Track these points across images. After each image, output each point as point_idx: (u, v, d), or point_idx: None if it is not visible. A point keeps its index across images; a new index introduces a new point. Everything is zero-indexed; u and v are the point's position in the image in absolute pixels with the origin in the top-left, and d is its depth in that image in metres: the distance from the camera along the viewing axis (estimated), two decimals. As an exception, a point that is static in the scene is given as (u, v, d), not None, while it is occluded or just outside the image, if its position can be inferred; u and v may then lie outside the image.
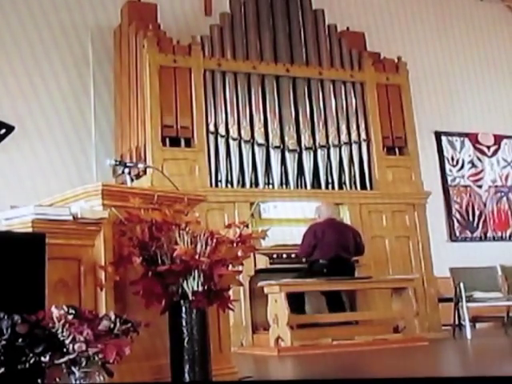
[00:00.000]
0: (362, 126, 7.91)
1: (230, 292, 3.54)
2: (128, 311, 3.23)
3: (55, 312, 2.62)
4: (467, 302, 6.95)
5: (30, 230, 3.11)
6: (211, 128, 7.23)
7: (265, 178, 7.36)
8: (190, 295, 3.31)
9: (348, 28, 8.52)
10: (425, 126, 9.09)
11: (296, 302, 6.51)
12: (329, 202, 7.17)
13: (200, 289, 3.32)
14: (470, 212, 9.53)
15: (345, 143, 7.77)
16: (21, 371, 2.46)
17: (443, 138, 9.64)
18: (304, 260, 6.85)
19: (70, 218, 3.28)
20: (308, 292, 6.70)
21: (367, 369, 4.89)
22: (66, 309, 2.67)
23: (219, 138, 7.23)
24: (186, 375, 3.28)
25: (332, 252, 6.60)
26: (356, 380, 3.48)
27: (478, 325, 8.14)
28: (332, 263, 6.57)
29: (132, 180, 4.17)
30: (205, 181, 7.06)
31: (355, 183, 7.77)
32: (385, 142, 7.99)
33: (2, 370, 2.42)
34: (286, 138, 7.51)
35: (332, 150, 7.69)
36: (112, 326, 2.74)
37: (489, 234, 9.56)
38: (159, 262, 3.32)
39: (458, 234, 9.39)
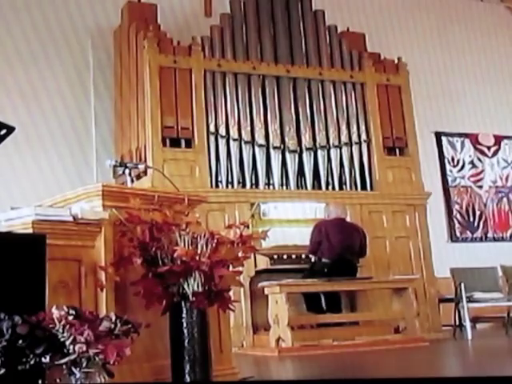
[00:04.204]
0: (363, 127, 7.91)
1: (231, 293, 3.54)
2: (128, 312, 3.23)
3: (56, 313, 2.62)
4: (468, 302, 6.95)
5: (30, 230, 3.11)
6: (211, 129, 7.24)
7: (265, 179, 7.36)
8: (190, 296, 3.31)
9: (348, 29, 8.53)
10: (425, 127, 9.09)
11: (313, 301, 6.54)
12: (338, 202, 7.16)
13: (200, 289, 3.32)
14: (471, 212, 9.53)
15: (345, 144, 7.78)
16: (21, 372, 2.46)
17: (443, 139, 9.65)
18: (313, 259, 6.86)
19: (71, 218, 3.28)
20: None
21: (368, 369, 4.89)
22: (66, 309, 2.66)
23: (219, 139, 7.24)
24: (187, 376, 3.28)
25: (336, 253, 6.59)
26: (356, 380, 3.48)
27: (478, 325, 8.14)
28: (335, 264, 6.56)
29: (132, 181, 4.16)
30: (205, 181, 7.07)
31: (355, 184, 7.77)
32: (385, 142, 8.00)
33: (3, 370, 2.42)
34: (287, 139, 7.52)
35: (332, 150, 7.69)
36: (112, 326, 2.74)
37: (489, 235, 9.56)
38: (160, 262, 3.32)
39: (458, 234, 9.39)
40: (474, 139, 9.78)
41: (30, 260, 2.79)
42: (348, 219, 7.19)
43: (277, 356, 5.89)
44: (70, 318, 2.64)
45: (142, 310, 3.25)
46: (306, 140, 7.60)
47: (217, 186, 7.17)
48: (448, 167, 9.57)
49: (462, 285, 6.97)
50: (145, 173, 6.86)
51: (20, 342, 2.46)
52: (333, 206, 7.01)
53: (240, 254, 3.52)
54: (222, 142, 7.25)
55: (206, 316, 3.39)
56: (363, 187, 7.79)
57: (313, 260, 6.79)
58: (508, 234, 9.69)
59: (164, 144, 7.04)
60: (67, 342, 2.56)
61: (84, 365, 2.58)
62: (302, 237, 6.99)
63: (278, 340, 6.16)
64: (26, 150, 7.32)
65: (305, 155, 7.55)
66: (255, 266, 6.87)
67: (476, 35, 10.26)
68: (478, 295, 7.11)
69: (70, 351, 2.55)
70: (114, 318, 2.77)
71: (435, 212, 8.50)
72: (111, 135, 7.85)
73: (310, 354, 5.79)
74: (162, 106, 7.08)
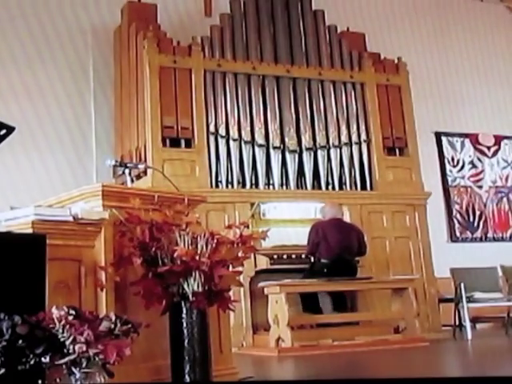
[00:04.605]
0: (362, 127, 7.91)
1: (231, 292, 3.54)
2: (128, 312, 3.23)
3: (55, 313, 2.62)
4: (468, 302, 6.95)
5: (30, 230, 3.11)
6: (211, 129, 7.23)
7: (265, 179, 7.36)
8: (190, 296, 3.31)
9: (348, 29, 8.53)
10: (425, 127, 9.09)
11: (310, 302, 6.54)
12: (334, 202, 7.15)
13: (200, 289, 3.32)
14: (471, 212, 9.53)
15: (345, 144, 7.77)
16: (21, 372, 2.46)
17: (443, 139, 9.65)
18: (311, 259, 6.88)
19: (71, 218, 3.28)
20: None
21: (367, 369, 4.89)
22: (66, 309, 2.66)
23: (219, 139, 7.24)
24: (187, 376, 3.28)
25: (334, 253, 6.60)
26: (356, 380, 3.48)
27: (478, 325, 8.14)
28: (333, 264, 6.57)
29: (132, 181, 4.17)
30: (205, 181, 7.07)
31: (355, 184, 7.77)
32: (385, 142, 7.99)
33: (3, 370, 2.42)
34: (287, 139, 7.51)
35: (332, 150, 7.69)
36: (112, 326, 2.74)
37: (489, 235, 9.56)
38: (159, 262, 3.32)
39: (458, 234, 9.39)
40: (474, 139, 9.78)
41: (30, 260, 2.79)
42: (345, 219, 7.20)
43: (276, 356, 5.89)
44: (70, 318, 2.64)
45: (142, 310, 3.26)
46: (306, 140, 7.60)
47: (217, 186, 7.16)
48: (448, 167, 9.57)
49: (462, 285, 6.97)
50: (145, 173, 6.86)
51: (20, 342, 2.46)
52: (329, 206, 7.01)
53: (240, 254, 3.52)
54: (221, 142, 7.24)
55: (206, 316, 3.40)
56: (363, 187, 7.79)
57: (312, 260, 6.80)
58: (508, 234, 9.69)
59: (164, 144, 7.04)
60: (67, 342, 2.56)
61: (84, 365, 2.58)
62: (301, 237, 6.98)
63: (277, 340, 6.16)
64: (25, 150, 7.32)
65: (305, 155, 7.55)
66: (255, 265, 6.87)
67: (476, 35, 10.26)
68: (477, 295, 7.11)
69: (70, 351, 2.55)
70: (113, 318, 2.77)
71: (435, 212, 8.50)
72: (111, 135, 7.85)
73: (309, 354, 5.78)
74: (161, 106, 7.07)
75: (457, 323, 7.23)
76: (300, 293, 6.60)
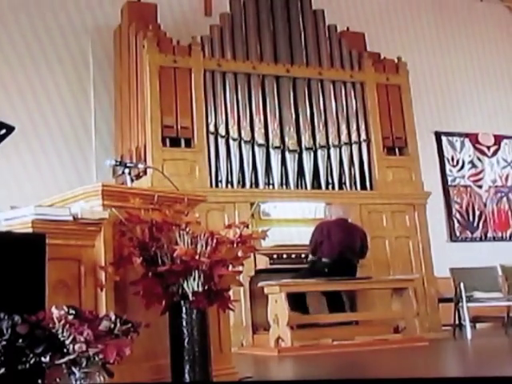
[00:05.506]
0: (362, 127, 7.91)
1: (230, 292, 3.54)
2: (128, 311, 3.23)
3: (55, 312, 2.62)
4: (467, 302, 6.95)
5: (30, 230, 3.11)
6: (211, 128, 7.23)
7: (265, 179, 7.36)
8: (190, 295, 3.31)
9: (348, 28, 8.53)
10: (425, 127, 9.10)
11: (298, 301, 6.53)
12: (341, 203, 7.17)
13: (200, 289, 3.32)
14: (471, 212, 9.53)
15: (345, 143, 7.77)
16: (21, 371, 2.46)
17: (443, 139, 9.65)
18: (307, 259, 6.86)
19: (70, 218, 3.28)
20: (308, 292, 6.71)
21: (367, 369, 4.89)
22: (66, 309, 2.66)
23: (219, 139, 7.24)
24: (186, 375, 3.28)
25: (336, 252, 6.59)
26: (356, 380, 3.48)
27: (478, 325, 8.14)
28: (335, 263, 6.57)
29: (132, 180, 4.17)
30: (205, 181, 7.07)
31: (355, 183, 7.76)
32: (385, 142, 7.99)
33: (3, 370, 2.42)
34: (286, 139, 7.51)
35: (332, 150, 7.69)
36: (112, 326, 2.74)
37: (489, 234, 9.56)
38: (159, 262, 3.32)
39: (458, 234, 9.39)
40: (474, 139, 9.78)
41: (29, 260, 2.79)
42: (350, 221, 7.19)
43: (276, 356, 5.89)
44: (70, 317, 2.64)
45: (142, 310, 3.26)
46: (306, 140, 7.59)
47: (216, 185, 7.16)
48: (448, 167, 9.57)
49: (462, 284, 6.97)
50: (144, 172, 6.86)
51: (20, 341, 2.46)
52: (335, 206, 7.05)
53: (240, 254, 3.52)
54: (221, 142, 7.24)
55: (206, 316, 3.39)
56: (363, 187, 7.79)
57: (309, 259, 6.80)
58: (508, 234, 9.69)
59: (164, 144, 7.04)
60: (67, 342, 2.56)
61: (84, 364, 2.58)
62: (301, 236, 6.99)
63: (277, 340, 6.16)
64: (26, 149, 7.33)
65: (304, 155, 7.55)
66: (255, 265, 6.87)
67: (475, 35, 10.26)
68: (477, 295, 7.11)
69: (70, 351, 2.55)
70: (113, 318, 2.77)
71: (435, 212, 8.50)
72: (111, 135, 7.85)
73: (309, 354, 5.78)
74: (161, 106, 7.07)
75: (457, 323, 7.22)
76: (288, 293, 6.53)
